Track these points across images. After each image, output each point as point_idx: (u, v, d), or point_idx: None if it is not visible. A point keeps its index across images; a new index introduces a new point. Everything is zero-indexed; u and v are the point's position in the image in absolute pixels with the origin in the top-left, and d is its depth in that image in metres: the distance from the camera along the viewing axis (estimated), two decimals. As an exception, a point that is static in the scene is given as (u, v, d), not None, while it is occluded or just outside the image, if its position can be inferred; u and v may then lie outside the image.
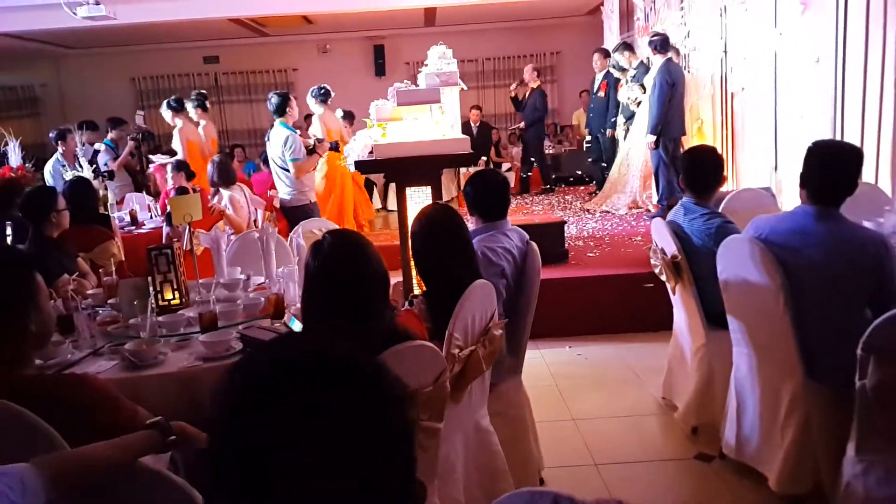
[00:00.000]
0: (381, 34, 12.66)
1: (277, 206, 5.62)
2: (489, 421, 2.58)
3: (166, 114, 6.63)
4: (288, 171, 5.32)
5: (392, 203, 9.09)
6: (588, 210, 7.63)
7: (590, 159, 9.21)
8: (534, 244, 2.96)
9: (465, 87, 5.29)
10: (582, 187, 9.57)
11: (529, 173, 9.77)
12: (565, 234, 5.77)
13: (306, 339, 0.82)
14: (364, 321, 1.78)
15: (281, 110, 5.31)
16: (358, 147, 5.15)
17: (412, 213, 4.73)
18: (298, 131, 5.61)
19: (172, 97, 6.80)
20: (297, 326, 2.10)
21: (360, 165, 4.95)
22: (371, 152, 4.82)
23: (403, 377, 1.80)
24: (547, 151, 10.77)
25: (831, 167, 2.43)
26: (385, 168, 5.18)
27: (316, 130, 6.62)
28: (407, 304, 2.41)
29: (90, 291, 3.15)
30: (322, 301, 1.80)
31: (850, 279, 2.38)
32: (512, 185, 9.82)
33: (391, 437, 0.72)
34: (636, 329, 4.60)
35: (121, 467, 1.40)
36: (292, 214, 5.26)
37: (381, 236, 7.00)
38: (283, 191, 5.43)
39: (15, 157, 5.82)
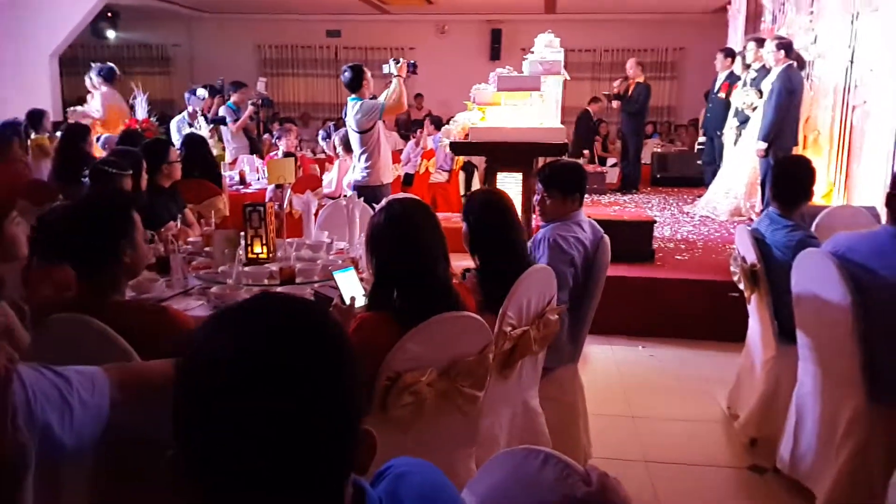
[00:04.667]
0: (499, 18, 12.72)
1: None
2: (539, 402, 2.67)
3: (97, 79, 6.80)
4: (364, 151, 5.15)
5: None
6: (687, 213, 7.45)
7: (699, 161, 8.97)
8: (606, 238, 3.00)
9: (568, 77, 5.29)
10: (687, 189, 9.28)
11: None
12: (655, 235, 5.69)
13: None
14: (420, 278, 1.94)
15: (357, 85, 5.08)
16: (456, 129, 5.27)
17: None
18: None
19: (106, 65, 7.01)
20: (339, 279, 2.27)
21: (454, 147, 5.09)
22: (467, 135, 4.95)
23: (448, 342, 1.93)
24: (655, 150, 10.55)
25: (918, 188, 2.34)
26: (479, 151, 5.30)
27: (94, 106, 6.59)
28: (461, 277, 2.53)
29: (191, 239, 3.44)
30: (384, 255, 1.96)
31: (925, 305, 2.29)
32: (615, 180, 9.71)
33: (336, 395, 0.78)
34: (714, 337, 4.50)
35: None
36: (365, 195, 4.83)
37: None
38: (357, 173, 5.28)
39: (141, 110, 6.33)
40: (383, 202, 2.06)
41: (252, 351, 0.75)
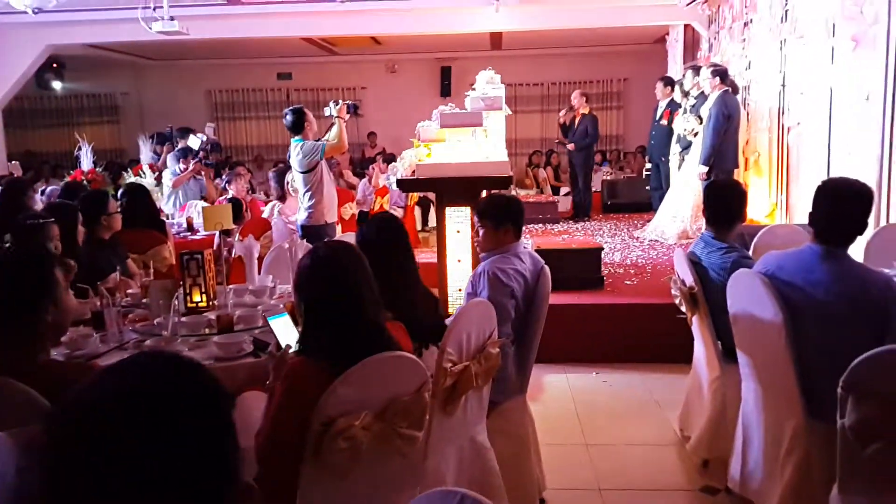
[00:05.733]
0: (448, 56, 12.92)
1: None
2: (487, 437, 2.65)
3: None
4: (307, 190, 5.15)
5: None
6: (637, 238, 7.57)
7: (647, 187, 9.16)
8: (546, 269, 3.02)
9: (510, 112, 5.38)
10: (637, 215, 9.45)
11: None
12: (606, 261, 5.77)
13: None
14: (349, 320, 1.93)
15: (299, 128, 5.09)
16: (403, 166, 5.31)
17: (451, 232, 4.88)
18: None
19: None
20: (275, 325, 2.26)
21: (401, 184, 5.13)
22: (414, 172, 4.99)
23: (382, 384, 1.91)
24: (605, 178, 10.75)
25: (837, 206, 2.41)
26: (425, 187, 5.34)
27: None
28: None
29: (131, 290, 3.37)
30: (312, 298, 1.95)
31: (851, 320, 2.35)
32: (568, 209, 9.84)
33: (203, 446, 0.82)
34: (665, 360, 4.54)
35: None
36: (308, 235, 5.06)
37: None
38: (300, 214, 5.28)
39: (87, 161, 6.26)
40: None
41: (116, 405, 0.79)
